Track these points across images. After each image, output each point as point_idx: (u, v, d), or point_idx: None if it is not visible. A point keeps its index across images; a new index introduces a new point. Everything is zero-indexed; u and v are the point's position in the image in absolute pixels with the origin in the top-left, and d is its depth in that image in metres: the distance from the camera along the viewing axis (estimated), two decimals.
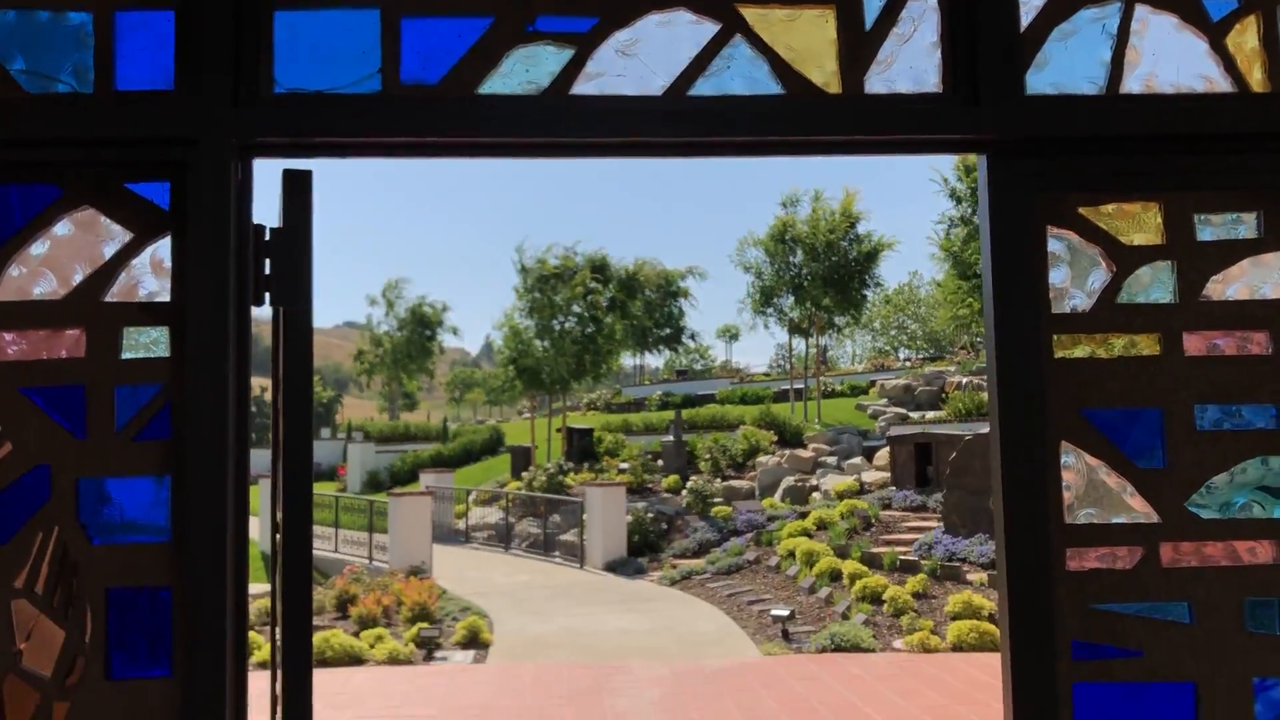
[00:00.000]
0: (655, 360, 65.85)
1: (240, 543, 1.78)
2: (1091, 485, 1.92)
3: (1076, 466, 1.92)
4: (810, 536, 17.79)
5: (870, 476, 22.18)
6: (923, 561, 14.84)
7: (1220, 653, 1.90)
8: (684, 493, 23.66)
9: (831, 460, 25.04)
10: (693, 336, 53.65)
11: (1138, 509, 1.93)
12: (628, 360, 59.65)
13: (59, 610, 1.77)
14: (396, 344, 47.47)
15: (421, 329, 47.80)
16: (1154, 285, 1.96)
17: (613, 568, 19.73)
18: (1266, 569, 1.92)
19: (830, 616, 14.07)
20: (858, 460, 24.26)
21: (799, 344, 40.28)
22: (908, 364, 47.08)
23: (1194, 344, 1.96)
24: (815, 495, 22.18)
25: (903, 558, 15.32)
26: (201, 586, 1.75)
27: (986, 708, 9.69)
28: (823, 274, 30.94)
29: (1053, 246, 1.96)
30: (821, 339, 39.29)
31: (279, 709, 1.92)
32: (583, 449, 30.35)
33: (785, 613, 13.74)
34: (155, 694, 1.77)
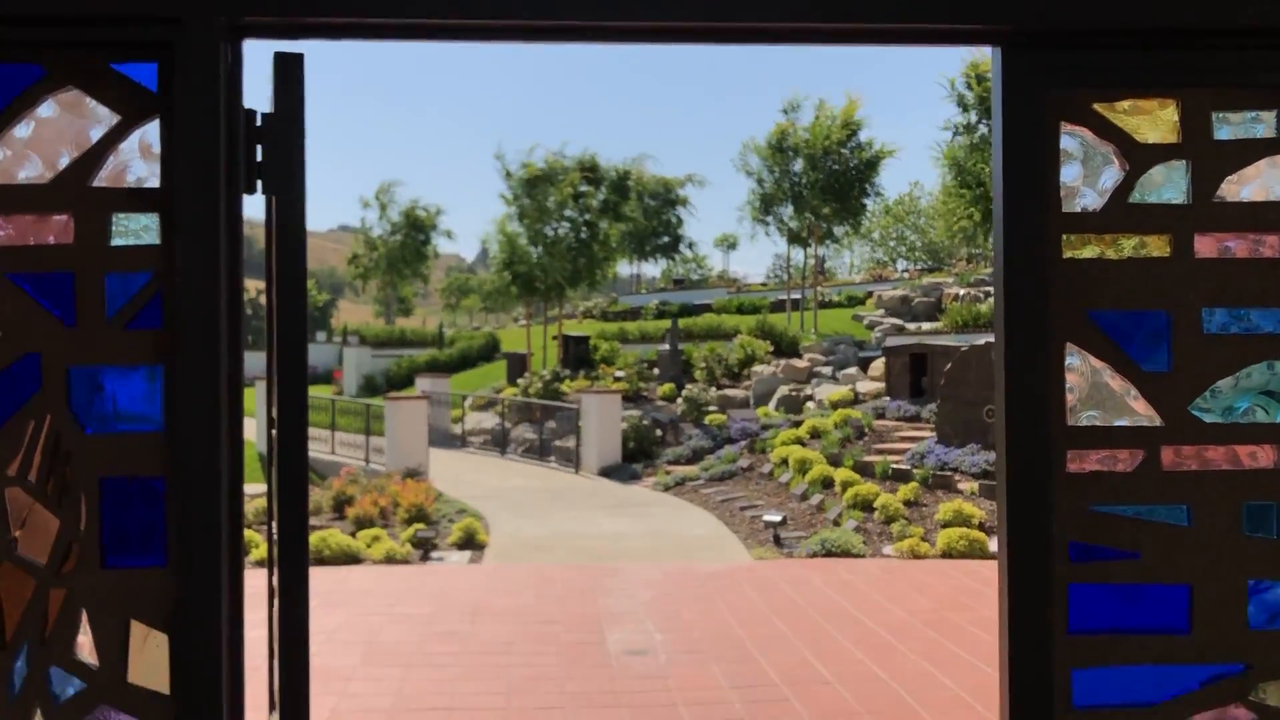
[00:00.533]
0: (652, 269, 65.67)
1: (235, 433, 1.76)
2: (1095, 388, 1.91)
3: (1080, 369, 1.90)
4: (803, 445, 17.95)
5: (865, 387, 22.28)
6: (915, 470, 14.98)
7: (1216, 555, 1.91)
8: (679, 401, 23.81)
9: (827, 370, 25.13)
10: (690, 245, 53.51)
11: (1140, 412, 1.91)
12: (624, 269, 59.42)
13: (53, 499, 1.76)
14: (391, 248, 47.14)
15: (415, 233, 47.44)
16: (1167, 185, 1.92)
17: (607, 473, 19.95)
18: (1266, 474, 1.92)
19: (821, 523, 14.26)
20: (853, 370, 24.36)
21: (797, 254, 40.12)
22: (906, 275, 46.97)
23: (1205, 246, 1.92)
24: (810, 405, 22.32)
25: (895, 466, 15.46)
26: (195, 476, 1.73)
27: (974, 612, 9.87)
28: (822, 182, 30.64)
29: (1065, 144, 1.91)
30: (820, 249, 39.09)
31: (276, 601, 1.93)
32: (579, 356, 30.45)
33: (777, 518, 13.93)
34: (150, 583, 1.77)
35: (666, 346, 27.57)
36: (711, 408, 23.32)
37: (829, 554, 12.41)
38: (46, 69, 1.76)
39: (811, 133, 31.03)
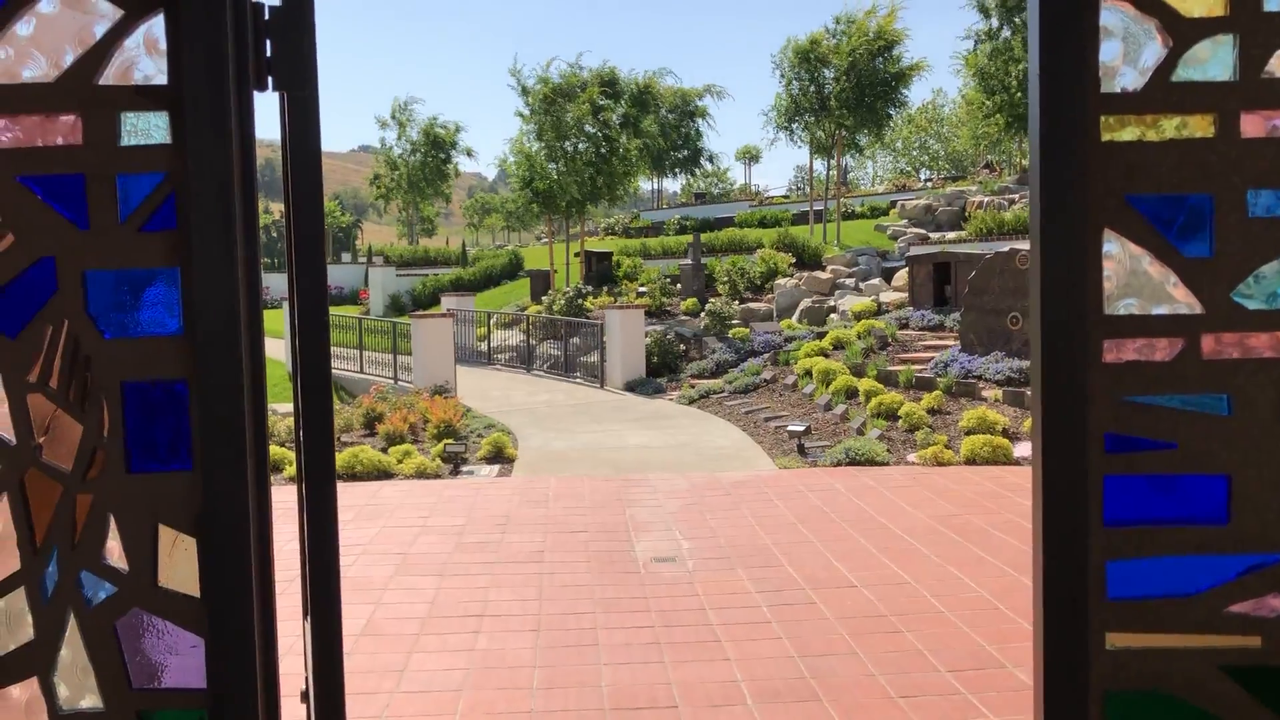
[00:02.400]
0: (673, 184, 64.96)
1: (254, 333, 1.74)
2: (1133, 275, 1.84)
3: (1118, 256, 1.84)
4: (827, 356, 17.92)
5: (888, 297, 22.15)
6: (938, 379, 14.95)
7: (1256, 445, 1.86)
8: (702, 315, 23.75)
9: (850, 282, 24.98)
10: (711, 159, 52.85)
11: (1180, 299, 1.85)
12: (645, 184, 58.88)
13: (75, 404, 1.75)
14: (412, 168, 46.89)
15: (436, 151, 47.12)
16: (1212, 62, 1.83)
17: (632, 388, 20.01)
18: None
19: (845, 432, 14.29)
20: (876, 281, 24.20)
21: (820, 166, 39.58)
22: (929, 184, 46.37)
23: (1252, 125, 1.84)
24: (833, 316, 22.23)
25: (919, 375, 15.44)
26: (216, 377, 1.71)
27: (998, 516, 9.90)
28: (850, 93, 30.09)
29: (1105, 20, 1.82)
30: (843, 159, 38.56)
31: (305, 510, 1.93)
32: (601, 273, 30.36)
33: (801, 428, 13.96)
34: (177, 486, 1.76)
35: (689, 261, 27.43)
36: (735, 321, 23.27)
37: (853, 462, 12.47)
38: None
39: (850, 41, 30.31)
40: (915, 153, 64.43)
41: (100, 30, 1.72)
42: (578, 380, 21.89)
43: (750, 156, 73.52)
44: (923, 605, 7.26)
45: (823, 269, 26.40)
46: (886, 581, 7.92)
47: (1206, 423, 1.86)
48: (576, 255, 32.86)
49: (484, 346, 25.70)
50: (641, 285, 27.69)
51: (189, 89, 1.69)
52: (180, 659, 1.77)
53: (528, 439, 15.32)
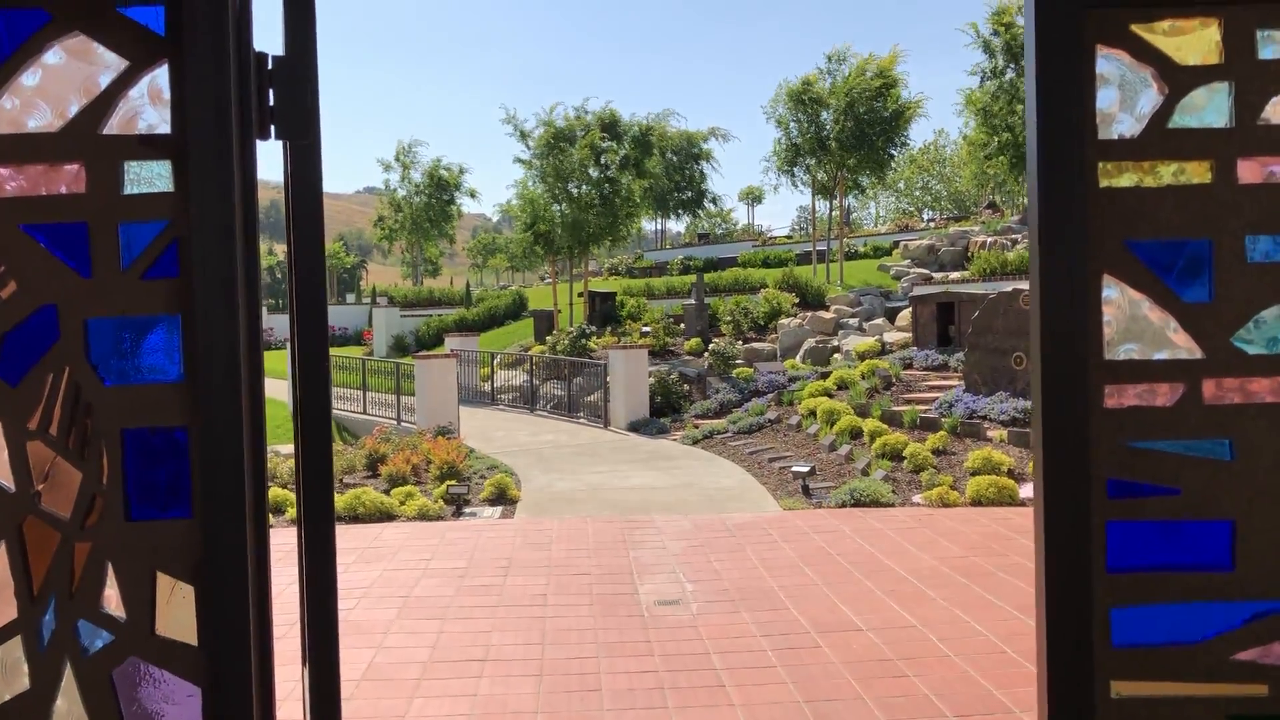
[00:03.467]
0: (676, 225, 65.28)
1: (255, 381, 1.74)
2: (1133, 320, 1.85)
3: (1118, 301, 1.84)
4: (831, 396, 17.90)
5: (892, 337, 22.15)
6: (943, 419, 14.91)
7: (1261, 490, 1.85)
8: (706, 355, 23.77)
9: (853, 321, 24.98)
10: (714, 200, 53.13)
11: (1180, 345, 1.85)
12: (648, 225, 59.17)
13: (75, 451, 1.74)
14: (416, 209, 47.19)
15: (440, 193, 47.44)
16: (1208, 109, 1.84)
17: (636, 428, 19.98)
18: None
19: (850, 473, 14.24)
20: (880, 321, 24.21)
21: (822, 206, 39.77)
22: (932, 224, 46.56)
23: (1249, 171, 1.85)
24: (837, 356, 22.24)
25: (923, 415, 15.40)
26: (217, 425, 1.71)
27: (1004, 558, 9.84)
28: (850, 133, 30.29)
29: (1101, 68, 1.83)
30: (845, 200, 38.74)
31: (304, 555, 1.92)
32: (605, 313, 30.43)
33: (806, 469, 13.90)
34: (176, 534, 1.76)
35: (692, 301, 27.49)
36: (738, 361, 23.29)
37: (858, 503, 12.41)
38: (51, 13, 1.72)
39: (848, 81, 30.57)
40: (918, 193, 64.73)
41: (105, 80, 1.74)
42: (581, 420, 21.86)
43: (753, 198, 73.94)
44: (929, 649, 7.19)
45: (826, 309, 26.44)
46: (892, 625, 7.85)
47: (1209, 468, 1.85)
48: (580, 295, 32.96)
49: (487, 387, 25.71)
50: (645, 325, 27.74)
51: (193, 139, 1.70)
52: (177, 708, 1.76)
53: (531, 480, 15.27)
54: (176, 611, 1.76)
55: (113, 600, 1.76)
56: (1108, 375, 1.84)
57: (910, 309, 21.77)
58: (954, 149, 59.05)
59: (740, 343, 24.98)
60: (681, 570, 10.38)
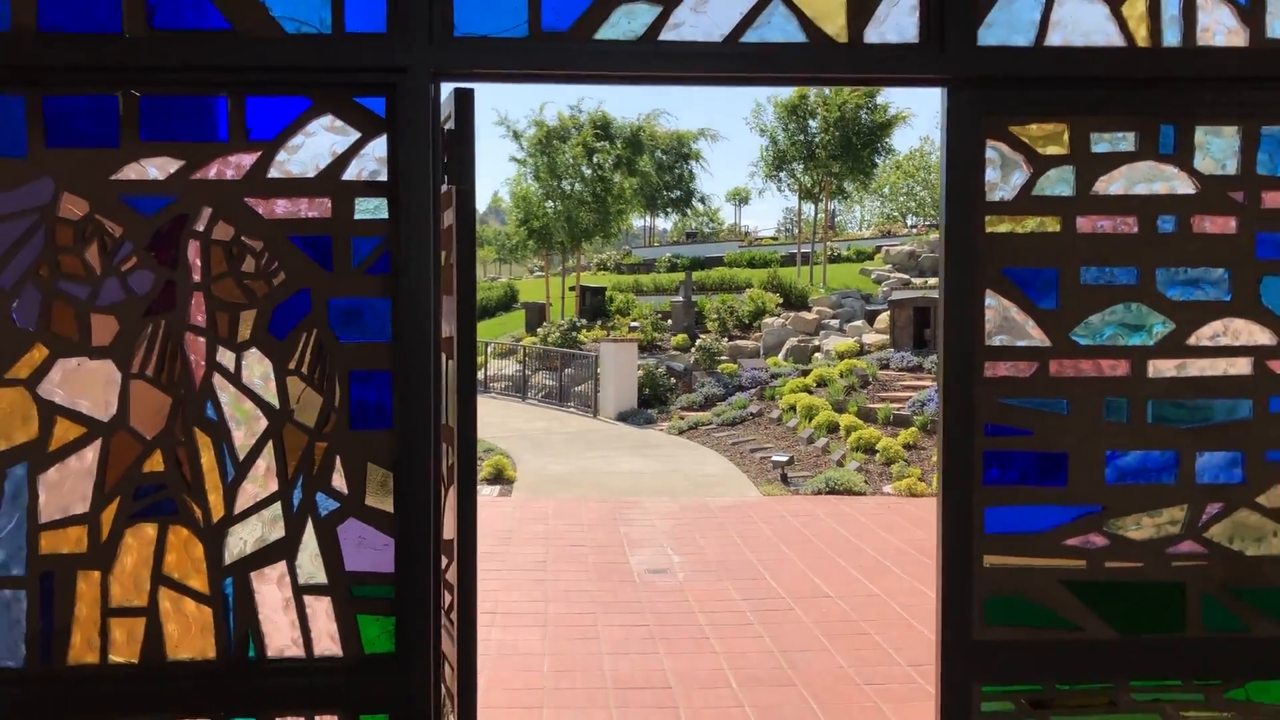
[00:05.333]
0: (665, 223, 66.26)
1: (437, 343, 2.69)
2: (1005, 320, 2.83)
3: (995, 307, 2.82)
4: (811, 392, 18.91)
5: (871, 338, 23.14)
6: (915, 417, 15.89)
7: (1084, 433, 2.84)
8: (692, 350, 24.76)
9: (834, 322, 25.94)
10: (702, 200, 53.97)
11: (1036, 337, 2.83)
12: (638, 222, 60.01)
13: (318, 384, 2.69)
14: None
15: None
16: (1059, 183, 2.82)
17: (624, 417, 20.95)
18: (1121, 379, 2.85)
19: (826, 464, 15.25)
20: (859, 323, 25.20)
21: (808, 209, 40.75)
22: (914, 230, 47.52)
23: (1084, 224, 2.83)
24: (817, 355, 23.24)
25: (897, 413, 16.38)
26: (412, 370, 2.66)
27: None
28: (836, 141, 31.26)
29: (989, 154, 2.81)
30: (830, 204, 39.76)
31: (456, 482, 2.86)
32: (595, 307, 31.38)
33: (784, 458, 14.91)
34: (382, 439, 2.71)
35: (680, 299, 28.46)
36: (723, 357, 24.27)
37: (833, 491, 13.37)
38: (312, 100, 2.67)
39: (834, 94, 31.53)
40: (902, 198, 65.75)
41: (344, 145, 2.69)
42: (572, 410, 22.80)
43: (741, 198, 74.92)
44: (890, 614, 8.16)
45: (809, 310, 27.43)
46: (858, 594, 8.82)
47: (1052, 418, 2.83)
48: (571, 289, 33.84)
49: (480, 375, 26.57)
50: (634, 320, 28.66)
51: (401, 184, 2.65)
52: (378, 553, 2.71)
53: (526, 463, 16.18)
54: (379, 489, 2.71)
55: (339, 481, 2.71)
56: (987, 355, 2.82)
57: (889, 312, 22.77)
58: (938, 156, 60.00)
59: (725, 340, 25.96)
60: (669, 544, 11.34)
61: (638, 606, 8.91)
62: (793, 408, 18.25)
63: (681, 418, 20.24)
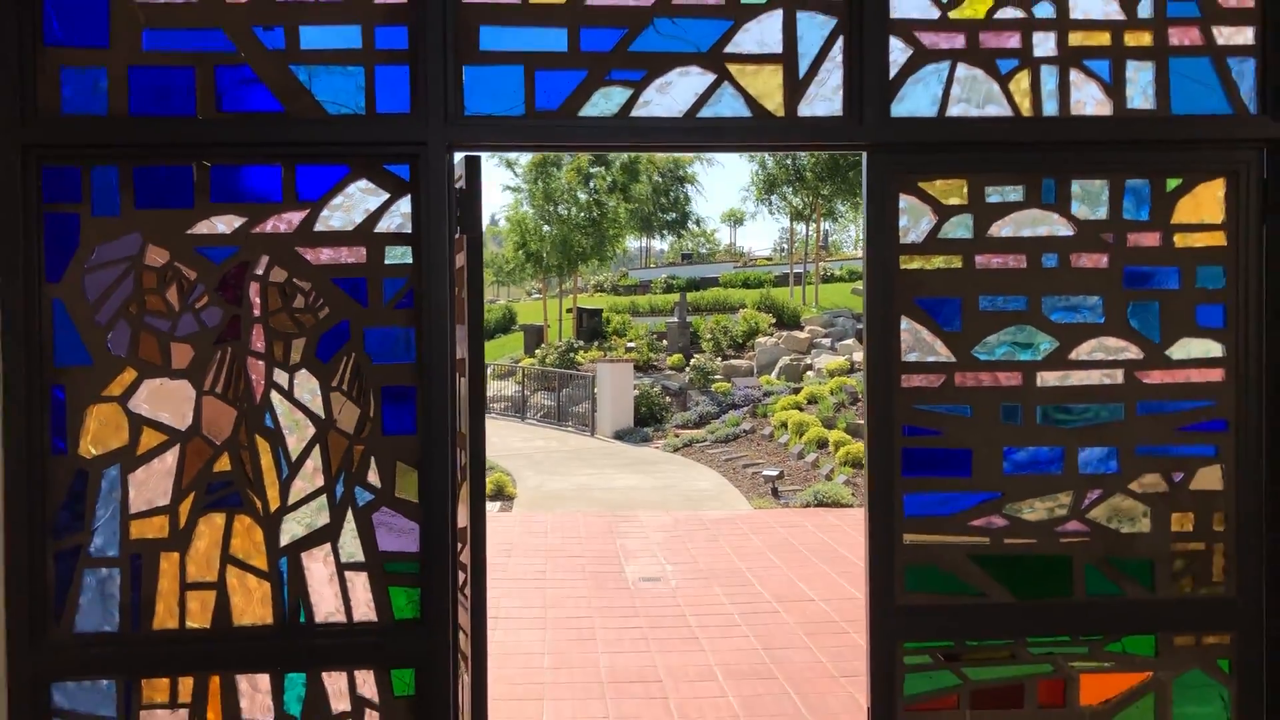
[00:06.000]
0: (661, 244, 67.07)
1: (453, 364, 3.30)
2: (918, 340, 3.45)
3: (909, 330, 3.44)
4: (801, 409, 19.52)
5: (861, 357, 23.69)
6: None
7: (985, 433, 3.46)
8: (687, 370, 25.39)
9: (826, 341, 26.56)
10: (698, 221, 54.75)
11: (943, 354, 3.45)
12: (633, 243, 60.74)
13: (356, 398, 3.31)
14: None
15: None
16: (960, 227, 3.45)
17: (621, 436, 21.55)
18: (1014, 388, 3.47)
19: (815, 478, 15.83)
20: (850, 342, 25.82)
21: (801, 229, 41.43)
22: None
23: (982, 261, 3.46)
24: (809, 373, 23.86)
25: None
26: (434, 386, 3.28)
27: None
28: (824, 164, 31.96)
29: (901, 204, 3.43)
30: (823, 225, 40.46)
31: (468, 478, 3.47)
32: (592, 328, 32.04)
33: (775, 473, 15.50)
34: (409, 443, 3.33)
35: (675, 319, 29.12)
36: (717, 376, 24.90)
37: (821, 504, 13.93)
38: (350, 168, 3.30)
39: None
40: None
41: (376, 204, 3.32)
42: (569, 429, 23.39)
43: (735, 219, 75.72)
44: None
45: (801, 329, 28.08)
46: (840, 597, 9.40)
47: (958, 421, 3.45)
48: (569, 311, 34.49)
49: None
50: (630, 341, 29.29)
51: (423, 234, 3.28)
52: (405, 536, 3.32)
53: (525, 480, 16.75)
54: (407, 484, 3.33)
55: (373, 477, 3.33)
56: (903, 369, 3.44)
57: None
58: None
59: (720, 359, 26.58)
60: (663, 555, 11.92)
61: (632, 610, 9.51)
62: (784, 424, 18.85)
63: (676, 435, 20.83)
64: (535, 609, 9.48)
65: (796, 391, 21.29)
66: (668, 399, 23.52)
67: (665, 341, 28.99)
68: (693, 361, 25.51)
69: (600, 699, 7.11)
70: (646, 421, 22.48)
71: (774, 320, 29.20)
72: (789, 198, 34.56)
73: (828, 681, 7.35)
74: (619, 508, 15.11)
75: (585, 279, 47.48)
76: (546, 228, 32.29)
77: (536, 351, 29.57)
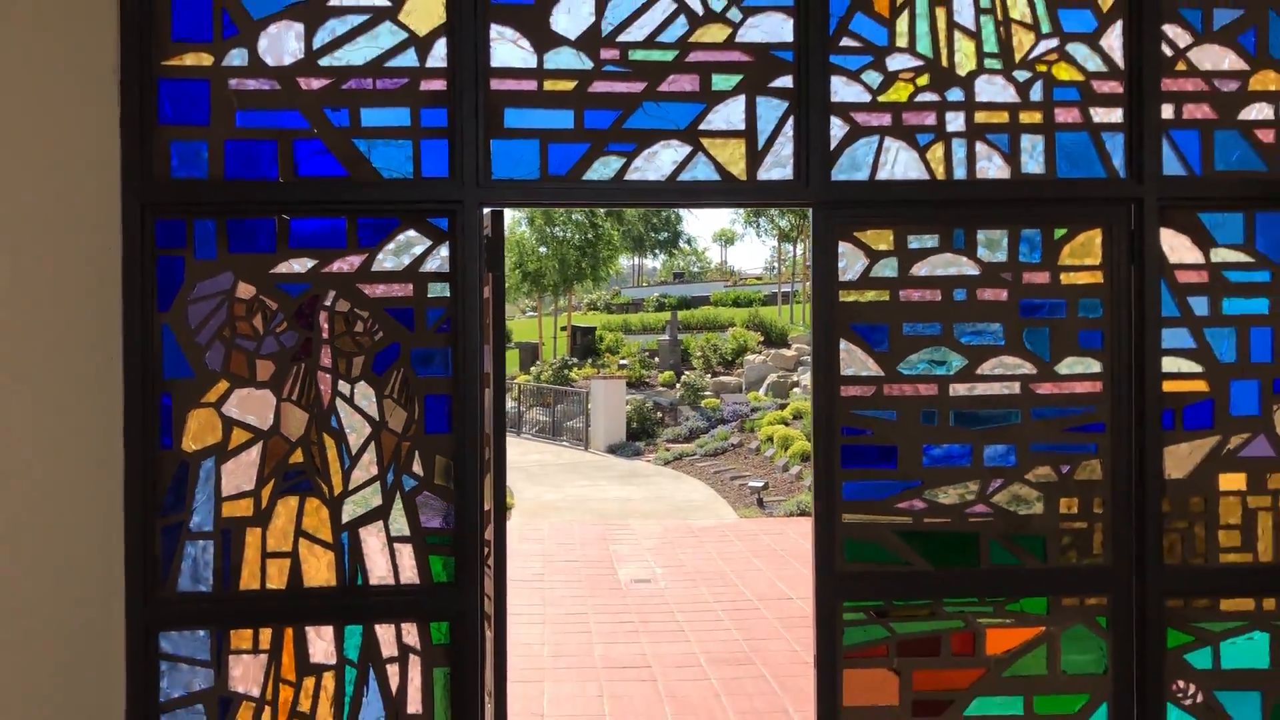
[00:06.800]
0: (654, 262, 68.05)
1: (480, 378, 4.13)
2: (854, 358, 4.29)
3: (847, 349, 4.29)
4: (787, 424, 20.36)
5: None
6: None
7: (908, 433, 4.30)
8: (678, 386, 26.23)
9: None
10: (689, 241, 55.73)
11: (875, 369, 4.30)
12: (626, 262, 61.63)
13: (404, 404, 4.14)
14: None
15: None
16: (887, 268, 4.31)
17: (613, 450, 22.35)
18: (931, 397, 4.31)
19: (799, 489, 16.63)
20: None
21: (790, 248, 42.29)
22: None
23: (906, 294, 4.31)
24: (796, 390, 24.71)
25: None
26: (466, 395, 4.11)
27: None
28: None
29: (840, 249, 4.29)
30: (810, 246, 41.30)
31: (491, 470, 4.28)
32: (585, 346, 32.86)
33: (760, 484, 16.31)
34: (446, 440, 4.16)
35: (667, 337, 29.96)
36: (707, 392, 25.73)
37: (804, 514, 14.70)
38: (401, 220, 4.15)
39: None
40: None
41: (421, 249, 4.16)
42: (564, 443, 24.17)
43: (726, 239, 76.70)
44: None
45: (788, 347, 28.93)
46: None
47: (886, 423, 4.30)
48: (563, 329, 35.29)
49: None
50: (623, 358, 30.10)
51: (458, 274, 4.12)
52: (442, 515, 4.15)
53: (522, 491, 17.52)
54: (444, 472, 4.15)
55: (417, 467, 4.15)
56: (842, 381, 4.29)
57: None
58: None
59: (709, 376, 27.41)
60: (653, 559, 12.71)
61: (624, 608, 10.33)
62: (770, 439, 19.67)
63: (667, 449, 21.63)
64: (534, 607, 10.29)
65: (783, 407, 22.11)
66: (659, 414, 24.34)
67: (657, 359, 29.82)
68: (683, 378, 26.36)
69: (595, 681, 7.92)
70: (638, 436, 23.28)
71: (762, 338, 30.08)
72: (775, 220, 35.46)
73: (801, 667, 8.17)
74: (612, 517, 15.85)
75: (579, 297, 48.35)
76: (543, 249, 33.17)
77: (532, 369, 30.38)
